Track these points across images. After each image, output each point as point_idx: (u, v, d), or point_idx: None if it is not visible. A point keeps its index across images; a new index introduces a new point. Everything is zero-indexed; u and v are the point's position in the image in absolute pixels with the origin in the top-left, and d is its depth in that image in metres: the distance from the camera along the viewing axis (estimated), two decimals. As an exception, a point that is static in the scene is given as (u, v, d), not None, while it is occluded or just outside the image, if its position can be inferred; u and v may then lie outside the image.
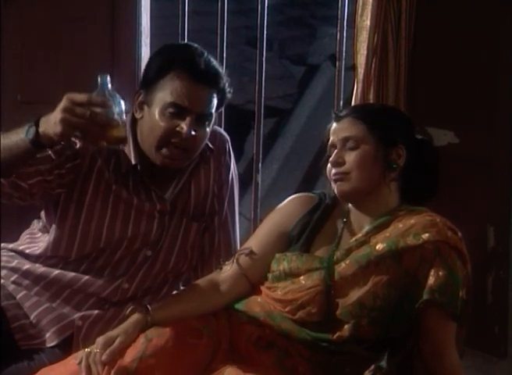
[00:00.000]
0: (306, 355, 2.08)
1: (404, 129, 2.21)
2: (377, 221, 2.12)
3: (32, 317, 2.33)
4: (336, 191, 2.16)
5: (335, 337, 2.06)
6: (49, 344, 2.30)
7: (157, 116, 2.27)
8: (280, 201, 2.28)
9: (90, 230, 2.36)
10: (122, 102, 1.95)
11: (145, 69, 2.40)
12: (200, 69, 2.26)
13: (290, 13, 6.75)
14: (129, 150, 2.34)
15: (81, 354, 2.01)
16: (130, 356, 1.97)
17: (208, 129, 2.33)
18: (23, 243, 2.48)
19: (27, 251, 2.44)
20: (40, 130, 1.99)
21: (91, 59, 3.44)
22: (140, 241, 2.40)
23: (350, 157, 2.12)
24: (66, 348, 2.29)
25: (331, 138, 2.18)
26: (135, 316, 2.08)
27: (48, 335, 2.31)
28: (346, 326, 2.06)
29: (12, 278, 2.40)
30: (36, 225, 2.52)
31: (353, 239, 2.12)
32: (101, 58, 3.45)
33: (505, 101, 3.00)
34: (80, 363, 1.98)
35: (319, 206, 2.24)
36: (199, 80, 2.26)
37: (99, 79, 1.94)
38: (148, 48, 3.50)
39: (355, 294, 2.05)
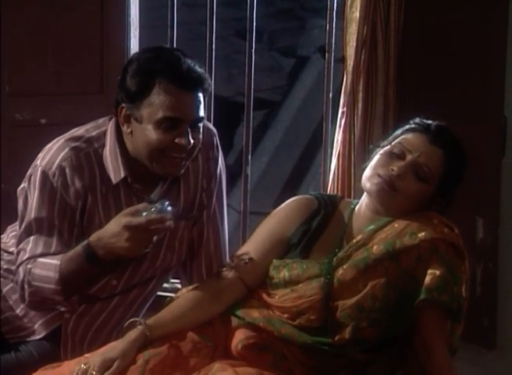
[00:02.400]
0: (302, 359, 2.06)
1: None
2: (377, 223, 2.10)
3: (19, 310, 2.33)
4: (372, 188, 2.10)
5: (335, 340, 2.05)
6: (37, 336, 2.29)
7: (152, 131, 2.21)
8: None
9: None
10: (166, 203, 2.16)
11: (124, 84, 2.26)
12: (184, 77, 2.20)
13: (280, 5, 6.75)
14: (118, 163, 2.30)
15: (75, 365, 1.99)
16: None
17: (201, 130, 2.30)
18: (10, 239, 2.45)
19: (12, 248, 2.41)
20: (101, 253, 2.16)
21: (80, 51, 3.44)
22: None
23: (408, 185, 2.08)
24: (54, 340, 2.29)
25: (408, 149, 2.10)
26: (133, 334, 2.03)
27: (35, 327, 2.30)
28: (346, 329, 2.04)
29: (-1, 271, 2.39)
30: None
31: (354, 241, 2.10)
32: (90, 50, 3.44)
33: (495, 93, 3.00)
34: None
35: (319, 211, 2.20)
36: (186, 88, 2.20)
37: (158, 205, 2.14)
38: (137, 40, 3.49)
39: (354, 297, 2.04)
